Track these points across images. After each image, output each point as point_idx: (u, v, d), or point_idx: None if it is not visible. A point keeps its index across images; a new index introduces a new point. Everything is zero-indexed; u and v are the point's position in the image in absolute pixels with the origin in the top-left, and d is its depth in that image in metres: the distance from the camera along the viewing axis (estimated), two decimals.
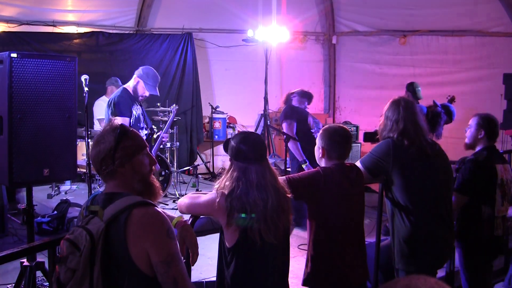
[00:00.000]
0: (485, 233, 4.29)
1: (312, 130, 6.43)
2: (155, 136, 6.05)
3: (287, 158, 6.25)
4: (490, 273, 4.55)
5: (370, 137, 4.99)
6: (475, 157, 4.40)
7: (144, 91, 5.73)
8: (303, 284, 3.62)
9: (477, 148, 4.48)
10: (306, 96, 6.87)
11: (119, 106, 5.48)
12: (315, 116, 7.05)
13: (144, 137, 5.49)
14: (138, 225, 2.36)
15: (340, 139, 3.63)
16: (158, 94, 5.93)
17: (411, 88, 7.84)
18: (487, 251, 4.36)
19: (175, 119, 8.87)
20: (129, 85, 5.75)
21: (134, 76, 5.79)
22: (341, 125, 3.89)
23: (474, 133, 4.50)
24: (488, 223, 4.28)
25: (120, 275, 2.38)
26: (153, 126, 6.34)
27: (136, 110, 5.55)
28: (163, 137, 6.04)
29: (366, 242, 3.87)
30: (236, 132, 11.61)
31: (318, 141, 3.70)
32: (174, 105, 6.83)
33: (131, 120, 5.49)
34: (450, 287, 1.33)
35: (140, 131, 5.50)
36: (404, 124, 3.88)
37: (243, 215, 2.99)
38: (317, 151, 3.70)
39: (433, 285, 1.32)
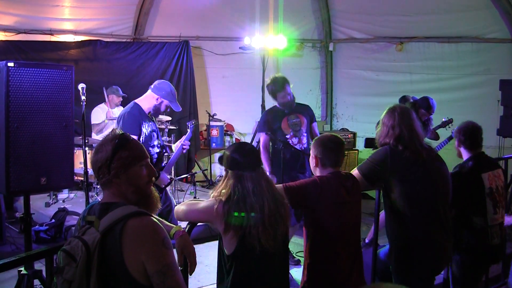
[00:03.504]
0: (479, 243, 4.27)
1: (287, 136, 6.10)
2: (173, 146, 5.85)
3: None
4: (483, 281, 4.56)
5: (371, 143, 5.04)
6: (459, 169, 4.41)
7: (166, 109, 5.55)
8: None
9: (464, 157, 4.48)
10: (272, 95, 6.28)
11: (126, 124, 5.25)
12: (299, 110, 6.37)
13: (155, 155, 5.40)
14: (133, 235, 2.36)
15: (333, 146, 3.64)
16: (181, 108, 5.74)
17: (403, 101, 7.82)
18: (482, 261, 4.35)
19: (172, 128, 8.90)
20: (145, 102, 5.39)
21: (152, 94, 5.43)
22: (333, 133, 3.91)
23: (456, 142, 4.55)
24: (482, 233, 4.26)
25: (116, 286, 2.37)
26: (166, 144, 6.18)
27: (147, 128, 5.36)
28: (184, 145, 5.83)
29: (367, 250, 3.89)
30: (234, 140, 11.61)
31: (311, 151, 3.71)
32: (192, 121, 6.57)
33: (141, 138, 5.26)
34: None
35: (150, 149, 5.31)
36: (400, 129, 3.90)
37: (235, 213, 3.00)
38: (311, 161, 3.72)
39: None
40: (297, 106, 6.37)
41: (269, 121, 6.19)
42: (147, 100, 5.42)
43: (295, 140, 6.09)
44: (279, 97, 6.19)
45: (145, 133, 5.24)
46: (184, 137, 5.83)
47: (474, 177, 4.30)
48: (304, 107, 6.47)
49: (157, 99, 5.37)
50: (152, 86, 5.52)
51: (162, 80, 5.61)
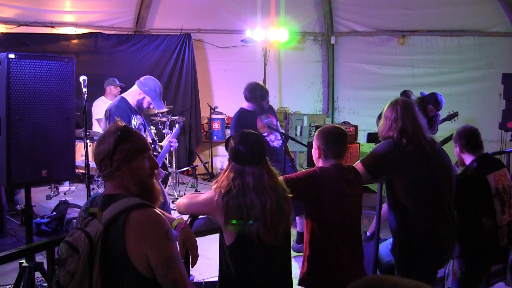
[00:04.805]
0: (488, 243, 4.23)
1: (264, 134, 6.11)
2: (158, 147, 5.79)
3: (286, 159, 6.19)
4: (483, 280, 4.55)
5: (373, 137, 4.99)
6: (464, 171, 4.36)
7: (148, 105, 5.51)
8: (299, 284, 3.61)
9: (468, 161, 4.41)
10: (258, 98, 6.38)
11: (115, 116, 5.22)
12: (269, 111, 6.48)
13: None
14: (136, 227, 2.35)
15: (336, 138, 3.61)
16: (165, 107, 5.68)
17: (404, 96, 7.81)
18: (490, 261, 4.33)
19: (173, 119, 8.88)
20: (130, 96, 5.41)
21: (137, 88, 5.40)
22: (336, 125, 3.88)
23: (455, 149, 4.48)
24: (491, 234, 4.22)
25: (119, 278, 2.37)
26: (155, 138, 6.14)
27: (136, 121, 5.33)
28: (171, 142, 5.83)
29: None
30: None
31: (314, 142, 3.69)
32: (179, 117, 6.51)
33: None
34: None
35: None
36: (403, 122, 3.87)
37: (233, 221, 2.98)
38: (314, 152, 3.69)
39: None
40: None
41: (244, 123, 6.09)
42: (132, 94, 5.41)
43: (272, 137, 6.12)
44: (263, 101, 6.40)
45: (134, 125, 5.22)
46: (170, 135, 5.87)
47: (479, 179, 4.25)
48: (269, 107, 6.62)
49: (139, 94, 5.35)
50: (138, 80, 5.49)
51: (150, 76, 5.55)
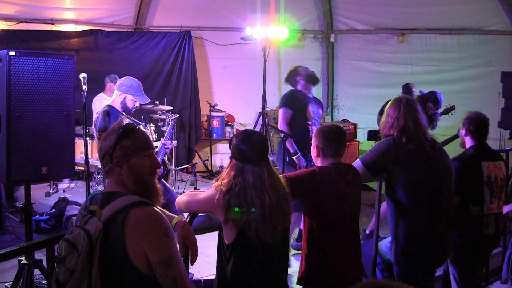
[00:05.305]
0: (472, 231, 4.27)
1: (309, 122, 6.17)
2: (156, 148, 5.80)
3: (286, 157, 6.19)
4: (479, 271, 4.55)
5: (374, 135, 4.98)
6: (460, 155, 4.40)
7: (134, 103, 5.54)
8: (298, 283, 3.63)
9: (467, 145, 4.46)
10: (313, 81, 6.51)
11: (110, 121, 5.23)
12: (319, 102, 6.58)
13: None
14: (135, 225, 2.35)
15: (334, 136, 3.62)
16: (149, 99, 5.76)
17: (406, 89, 7.82)
18: (475, 249, 4.35)
19: (174, 117, 8.88)
20: (114, 102, 5.51)
21: (116, 92, 5.51)
22: (335, 123, 3.89)
23: (461, 131, 4.52)
24: (476, 221, 4.27)
25: (119, 275, 2.37)
26: (155, 136, 6.17)
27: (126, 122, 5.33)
28: (165, 144, 5.87)
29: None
30: (235, 130, 11.60)
31: (313, 141, 3.70)
32: (172, 114, 6.54)
33: None
34: None
35: None
36: (405, 121, 3.88)
37: (236, 209, 2.99)
38: (313, 151, 3.70)
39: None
40: (315, 98, 6.53)
41: (297, 99, 6.25)
42: (115, 99, 5.53)
43: (314, 128, 6.10)
44: (309, 86, 6.43)
45: None
46: (163, 138, 5.91)
47: (473, 164, 4.30)
48: (320, 101, 6.65)
49: (119, 95, 5.44)
50: (116, 84, 5.61)
51: (125, 76, 5.65)
